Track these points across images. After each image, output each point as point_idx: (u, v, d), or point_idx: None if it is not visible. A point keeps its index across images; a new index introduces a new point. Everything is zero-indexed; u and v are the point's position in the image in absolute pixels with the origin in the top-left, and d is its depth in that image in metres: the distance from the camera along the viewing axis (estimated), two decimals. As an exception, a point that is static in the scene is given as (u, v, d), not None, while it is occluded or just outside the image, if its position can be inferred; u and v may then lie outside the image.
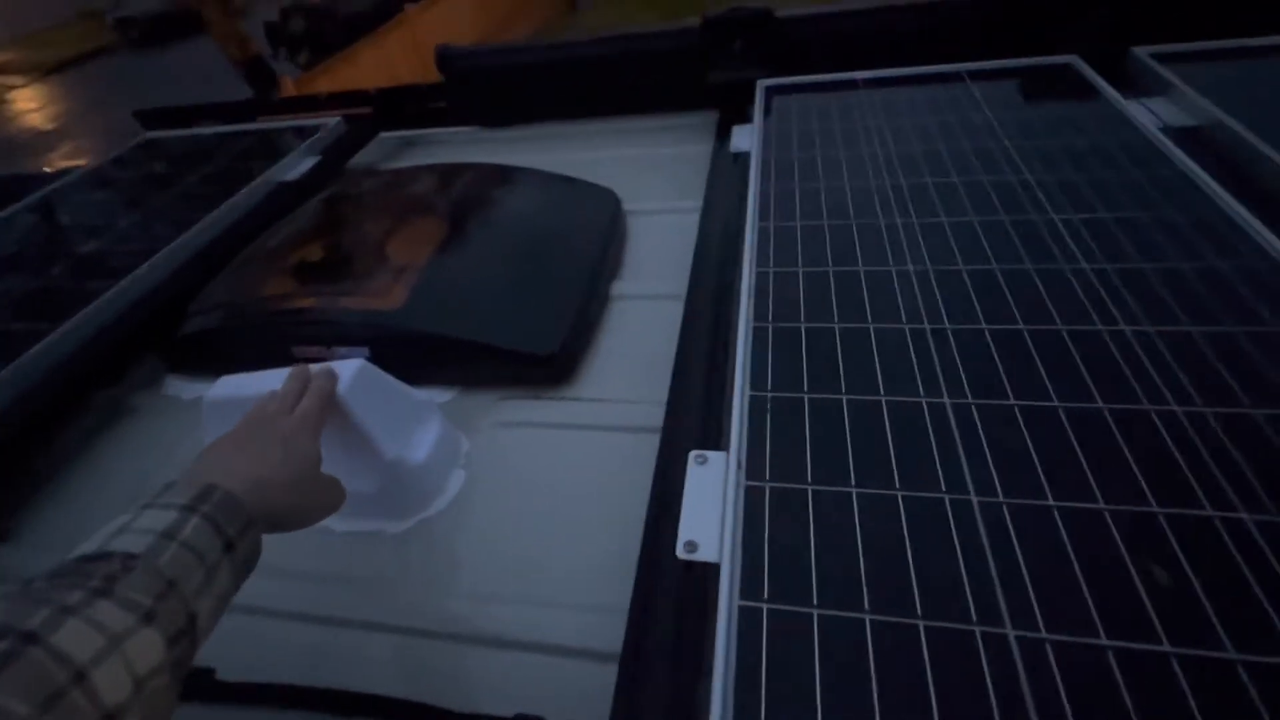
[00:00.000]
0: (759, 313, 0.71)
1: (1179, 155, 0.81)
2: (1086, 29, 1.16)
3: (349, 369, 0.63)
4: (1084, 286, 0.67)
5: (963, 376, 0.59)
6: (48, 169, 2.03)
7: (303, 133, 1.45)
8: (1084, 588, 0.43)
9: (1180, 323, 0.61)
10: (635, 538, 0.56)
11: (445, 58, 1.48)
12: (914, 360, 0.62)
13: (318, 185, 1.28)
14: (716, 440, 0.61)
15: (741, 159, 1.02)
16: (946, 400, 0.58)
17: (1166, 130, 0.90)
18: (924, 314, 0.67)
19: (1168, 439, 0.51)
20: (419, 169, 1.20)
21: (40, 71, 12.56)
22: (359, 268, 0.93)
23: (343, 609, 0.64)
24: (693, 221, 0.95)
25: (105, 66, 12.29)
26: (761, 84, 1.18)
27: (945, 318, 0.66)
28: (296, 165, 1.33)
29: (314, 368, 0.61)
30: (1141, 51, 1.08)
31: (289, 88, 5.94)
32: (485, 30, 10.03)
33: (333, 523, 0.69)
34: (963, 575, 0.45)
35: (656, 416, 0.67)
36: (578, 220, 1.00)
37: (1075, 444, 0.52)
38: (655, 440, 0.64)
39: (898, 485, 0.51)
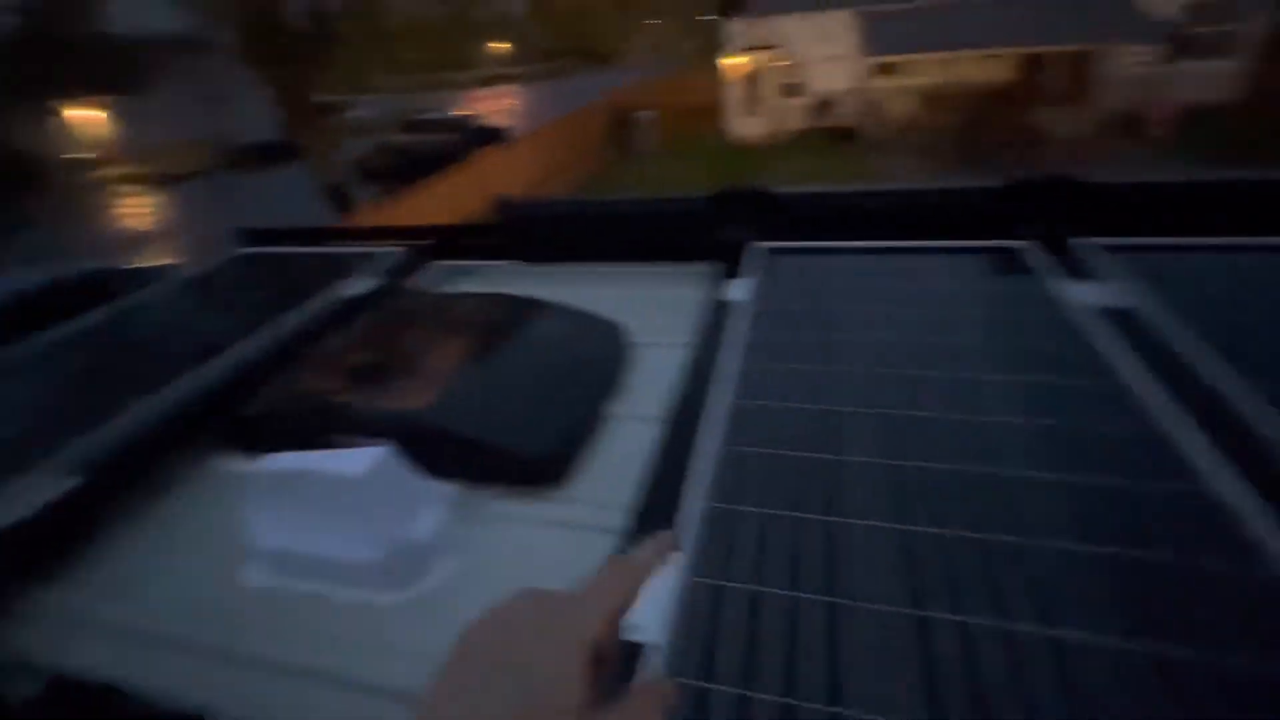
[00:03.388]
0: (726, 438, 0.83)
1: (1102, 331, 0.95)
2: (1039, 221, 1.35)
3: (372, 454, 0.77)
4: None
5: (914, 507, 0.70)
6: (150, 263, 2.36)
7: (368, 258, 1.71)
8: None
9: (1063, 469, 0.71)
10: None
11: (501, 204, 1.77)
12: (861, 494, 0.73)
13: (376, 302, 1.50)
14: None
15: (732, 306, 1.20)
16: (882, 524, 0.68)
17: (1098, 310, 1.04)
18: (877, 447, 0.78)
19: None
20: (462, 295, 1.42)
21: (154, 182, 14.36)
22: (397, 373, 1.10)
23: (333, 665, 0.72)
24: (686, 356, 1.10)
25: (214, 183, 14.04)
26: (755, 245, 1.38)
27: (896, 453, 0.77)
28: (358, 285, 1.57)
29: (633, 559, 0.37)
30: (1087, 242, 1.25)
31: (369, 213, 6.70)
32: (545, 173, 11.25)
33: (333, 590, 0.79)
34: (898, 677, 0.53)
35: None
36: (584, 348, 1.17)
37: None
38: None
39: (832, 594, 0.60)
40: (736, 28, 14.94)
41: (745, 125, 15.56)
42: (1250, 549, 0.60)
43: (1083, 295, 1.08)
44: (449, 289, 1.65)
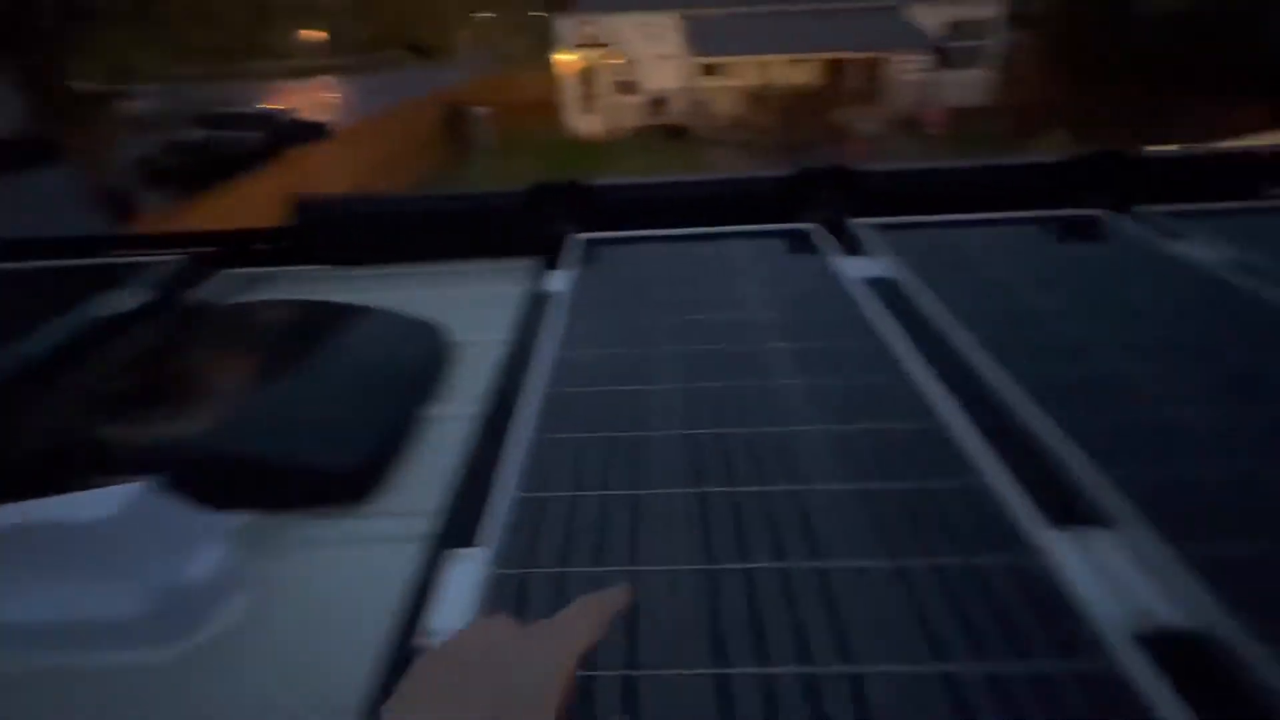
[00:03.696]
0: (539, 427, 0.83)
1: (868, 299, 1.08)
2: (824, 206, 1.51)
3: (123, 493, 0.66)
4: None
5: (704, 472, 0.74)
6: None
7: (140, 268, 1.47)
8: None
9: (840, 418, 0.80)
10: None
11: (300, 205, 1.61)
12: (664, 465, 0.76)
13: (147, 319, 1.30)
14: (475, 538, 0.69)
15: (551, 298, 1.20)
16: (680, 490, 0.71)
17: (866, 281, 1.19)
18: (680, 419, 0.83)
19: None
20: (252, 305, 1.27)
21: None
22: (169, 398, 0.96)
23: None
24: (509, 350, 1.08)
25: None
26: (574, 237, 1.40)
27: (696, 423, 0.82)
28: (125, 300, 1.35)
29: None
30: (859, 223, 1.42)
31: (156, 220, 5.78)
32: (374, 171, 10.48)
33: (91, 657, 0.68)
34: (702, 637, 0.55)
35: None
36: (396, 351, 1.10)
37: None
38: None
39: (634, 563, 0.62)
40: (566, 25, 14.97)
41: (584, 122, 15.69)
42: (967, 468, 0.72)
43: (855, 269, 1.23)
44: (241, 299, 1.47)
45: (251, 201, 6.47)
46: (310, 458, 0.87)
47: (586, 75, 15.72)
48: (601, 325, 1.08)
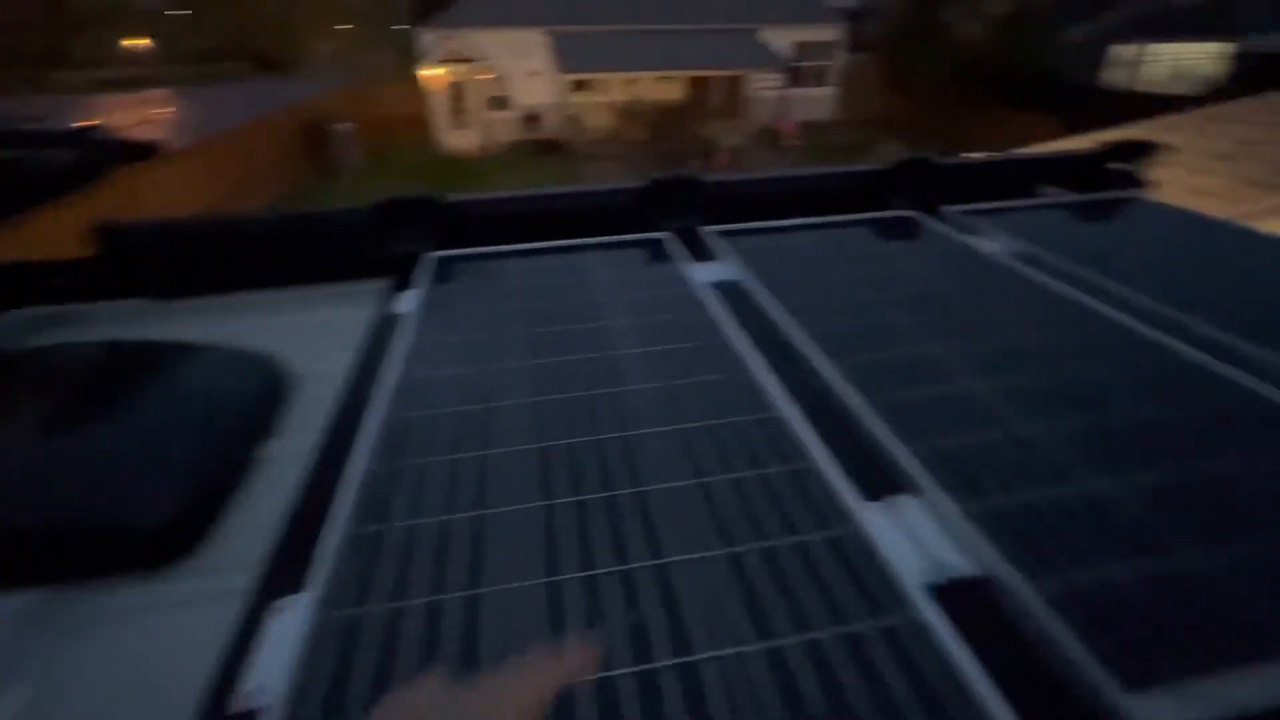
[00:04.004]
0: (379, 455, 0.79)
1: (713, 302, 1.14)
2: (677, 216, 1.57)
3: None
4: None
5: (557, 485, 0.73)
6: None
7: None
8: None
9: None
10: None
11: (105, 232, 1.43)
12: (510, 482, 0.75)
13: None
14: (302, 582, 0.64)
15: (399, 320, 1.15)
16: (527, 505, 0.70)
17: (711, 284, 1.25)
18: (528, 434, 0.81)
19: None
20: (48, 349, 1.11)
21: None
22: (-80, 465, 0.81)
23: None
24: (350, 379, 1.02)
25: None
26: (427, 255, 1.35)
27: (545, 436, 0.81)
28: None
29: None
30: (709, 230, 1.49)
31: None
32: (222, 193, 9.53)
33: None
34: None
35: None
36: (219, 390, 1.00)
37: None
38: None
39: (474, 587, 0.60)
40: (430, 40, 14.52)
41: (455, 138, 15.27)
42: (798, 453, 0.78)
43: (704, 274, 1.29)
44: (35, 343, 1.27)
45: (65, 232, 5.64)
46: (107, 518, 0.77)
47: (456, 90, 15.34)
48: (451, 345, 1.05)
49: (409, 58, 15.22)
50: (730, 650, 0.55)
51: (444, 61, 14.75)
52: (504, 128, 15.98)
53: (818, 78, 16.26)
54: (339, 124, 13.51)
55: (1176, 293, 1.16)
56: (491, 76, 15.06)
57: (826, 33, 16.36)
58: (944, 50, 14.01)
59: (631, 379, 0.94)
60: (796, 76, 15.58)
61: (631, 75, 14.96)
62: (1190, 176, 3.11)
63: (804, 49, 16.04)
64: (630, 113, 15.46)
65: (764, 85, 15.24)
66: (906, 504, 0.72)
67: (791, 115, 14.82)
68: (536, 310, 1.15)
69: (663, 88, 15.95)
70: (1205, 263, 1.30)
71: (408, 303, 1.22)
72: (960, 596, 0.61)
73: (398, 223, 1.46)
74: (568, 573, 0.63)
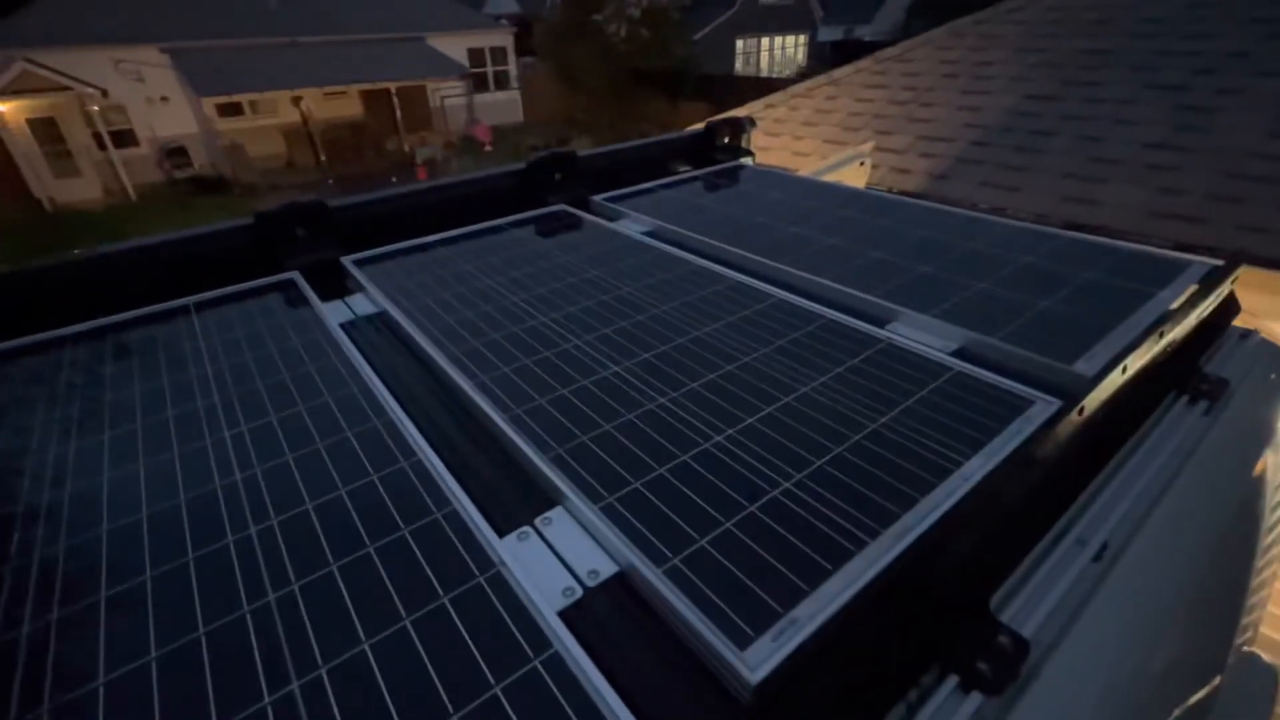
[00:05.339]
0: None
1: (347, 344, 0.99)
2: (305, 252, 1.36)
3: None
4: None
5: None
6: None
7: None
8: None
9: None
10: None
11: None
12: None
13: None
14: None
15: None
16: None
17: (351, 323, 1.10)
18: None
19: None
20: None
21: None
22: None
23: None
24: None
25: None
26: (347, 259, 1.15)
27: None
28: None
29: None
30: (347, 260, 1.32)
31: None
32: None
33: None
34: None
35: None
36: None
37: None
38: None
39: None
40: (-15, 64, 11.11)
41: (62, 188, 12.01)
42: (440, 497, 0.69)
43: (337, 314, 1.13)
44: None
45: None
46: None
47: (50, 127, 11.99)
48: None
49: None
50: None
51: (14, 93, 11.43)
52: (136, 168, 13.04)
53: (500, 82, 16.47)
54: None
55: (754, 241, 1.36)
56: (99, 106, 12.07)
57: (497, 38, 16.62)
58: (600, 50, 15.25)
59: (225, 472, 0.75)
60: (479, 82, 15.57)
61: (294, 93, 13.33)
62: (794, 141, 3.83)
63: (479, 55, 16.08)
64: (302, 135, 13.83)
65: (450, 94, 14.88)
66: (551, 518, 0.69)
67: (482, 120, 14.78)
68: (120, 402, 0.88)
69: (336, 104, 14.56)
70: (779, 207, 1.55)
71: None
72: (604, 602, 0.59)
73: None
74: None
